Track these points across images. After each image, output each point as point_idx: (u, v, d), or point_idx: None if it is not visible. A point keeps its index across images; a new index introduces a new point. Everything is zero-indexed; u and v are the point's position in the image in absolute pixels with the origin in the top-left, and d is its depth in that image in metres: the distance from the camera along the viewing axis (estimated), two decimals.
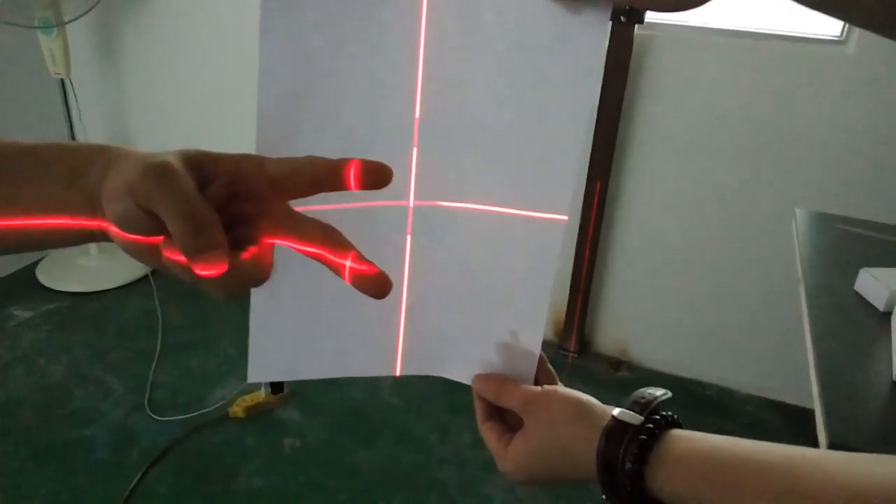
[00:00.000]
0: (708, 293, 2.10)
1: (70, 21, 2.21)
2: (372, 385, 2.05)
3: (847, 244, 1.10)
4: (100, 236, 0.39)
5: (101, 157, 0.38)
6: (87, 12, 2.17)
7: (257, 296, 0.52)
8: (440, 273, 0.55)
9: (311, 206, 0.47)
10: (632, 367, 2.25)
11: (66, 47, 2.29)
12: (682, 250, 2.08)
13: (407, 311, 0.57)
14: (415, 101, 0.49)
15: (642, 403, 0.47)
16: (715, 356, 2.16)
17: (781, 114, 1.82)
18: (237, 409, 1.88)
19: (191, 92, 2.49)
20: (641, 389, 0.49)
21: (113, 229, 0.36)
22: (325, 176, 0.37)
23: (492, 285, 0.54)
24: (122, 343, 2.22)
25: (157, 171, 0.33)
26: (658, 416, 0.46)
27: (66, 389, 1.99)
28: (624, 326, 2.25)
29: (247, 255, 0.37)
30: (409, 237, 0.54)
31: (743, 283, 2.04)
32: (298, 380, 0.57)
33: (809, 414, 1.99)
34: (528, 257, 0.53)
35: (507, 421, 0.56)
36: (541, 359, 0.56)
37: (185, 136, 2.50)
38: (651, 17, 1.85)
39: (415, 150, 0.51)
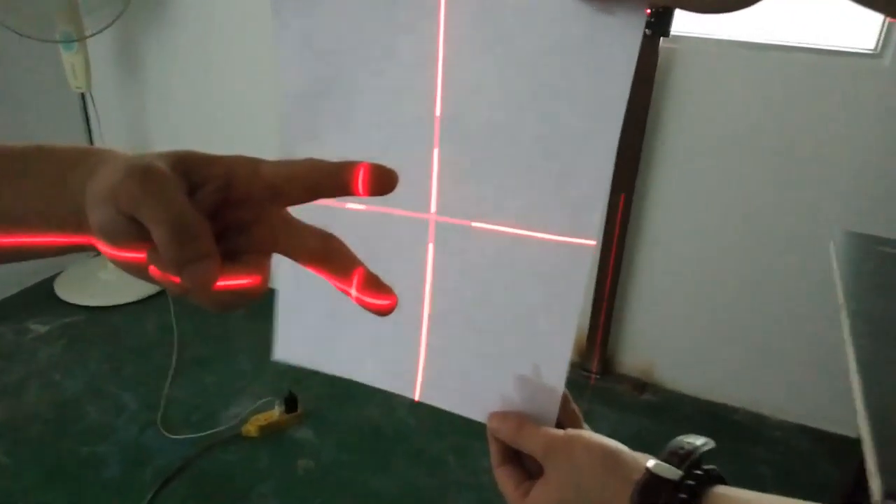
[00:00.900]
0: (736, 313, 2.03)
1: (91, 35, 2.21)
2: (387, 403, 2.00)
3: (889, 268, 1.03)
4: (90, 249, 0.35)
5: (84, 161, 0.34)
6: (108, 27, 2.17)
7: (284, 275, 0.51)
8: (459, 297, 0.51)
9: (329, 202, 0.44)
10: (657, 389, 2.18)
11: (87, 61, 2.29)
12: (709, 268, 2.01)
13: (427, 334, 0.53)
14: (434, 101, 0.46)
15: (681, 455, 0.42)
16: (744, 379, 2.08)
17: (813, 130, 1.76)
18: (251, 428, 1.85)
19: (212, 105, 2.48)
20: (680, 438, 0.44)
21: (99, 242, 0.33)
22: (325, 180, 0.33)
23: (512, 313, 0.50)
24: (137, 358, 2.19)
25: (140, 174, 0.30)
26: (700, 471, 0.41)
27: (79, 405, 1.96)
28: (649, 347, 2.18)
29: (240, 267, 0.33)
30: (430, 247, 0.50)
31: (772, 303, 1.97)
32: (323, 371, 0.55)
33: (842, 440, 1.93)
34: (551, 284, 0.48)
35: (526, 466, 0.51)
36: (564, 397, 0.50)
37: (207, 150, 2.48)
38: (676, 29, 1.80)
39: (436, 151, 0.47)
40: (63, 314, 2.40)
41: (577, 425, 0.50)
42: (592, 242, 0.46)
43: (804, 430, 2.01)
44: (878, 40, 1.65)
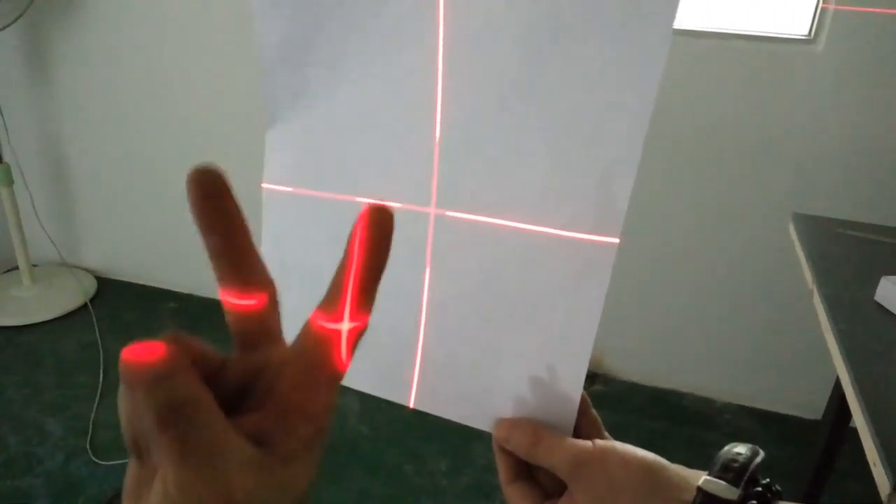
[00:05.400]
0: (680, 301, 2.04)
1: None
2: (338, 413, 1.91)
3: (851, 250, 1.03)
4: None
5: None
6: (11, 24, 1.99)
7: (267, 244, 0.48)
8: (460, 294, 0.45)
9: (319, 192, 0.42)
10: (607, 379, 2.18)
11: None
12: (654, 259, 2.02)
13: (425, 335, 0.47)
14: (436, 80, 0.40)
15: (736, 469, 0.37)
16: (691, 365, 2.10)
17: (750, 116, 1.78)
18: None
19: (128, 106, 2.32)
20: (728, 448, 0.39)
21: None
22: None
23: (522, 312, 0.44)
24: (60, 381, 2.03)
25: None
26: (760, 487, 0.36)
27: None
28: (597, 337, 2.17)
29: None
30: (429, 243, 0.44)
31: (716, 289, 1.99)
32: None
33: (788, 419, 1.97)
34: (569, 284, 0.43)
35: (540, 482, 0.45)
36: (583, 402, 0.44)
37: (128, 149, 2.33)
38: None
39: (437, 132, 0.41)
40: None
41: (599, 435, 0.44)
42: (615, 240, 0.40)
43: (750, 412, 2.05)
44: (812, 26, 1.68)
